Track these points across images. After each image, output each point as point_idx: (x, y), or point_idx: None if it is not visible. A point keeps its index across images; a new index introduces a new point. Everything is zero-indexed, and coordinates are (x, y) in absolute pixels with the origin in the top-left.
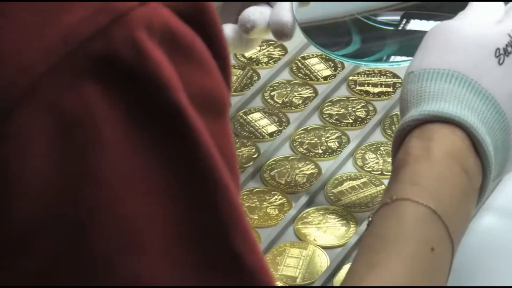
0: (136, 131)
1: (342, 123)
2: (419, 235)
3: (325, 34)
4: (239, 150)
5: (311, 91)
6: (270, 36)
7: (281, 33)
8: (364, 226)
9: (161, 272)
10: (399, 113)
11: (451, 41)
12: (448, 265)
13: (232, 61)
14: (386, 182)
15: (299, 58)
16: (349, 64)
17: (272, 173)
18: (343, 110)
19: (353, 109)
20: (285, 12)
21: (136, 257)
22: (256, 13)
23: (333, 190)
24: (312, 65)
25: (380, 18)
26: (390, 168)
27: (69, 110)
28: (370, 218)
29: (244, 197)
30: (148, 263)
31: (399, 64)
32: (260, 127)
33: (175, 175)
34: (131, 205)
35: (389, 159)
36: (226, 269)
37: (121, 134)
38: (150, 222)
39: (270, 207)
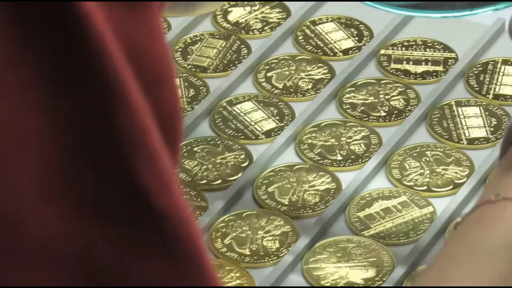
0: (11, 12)
1: (371, 117)
2: None
3: None
4: (222, 156)
5: (326, 71)
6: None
7: None
8: (403, 268)
9: (31, 207)
10: (453, 103)
11: None
12: None
13: (210, 27)
14: (435, 202)
15: (308, 24)
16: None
17: (270, 189)
18: (372, 98)
19: (387, 97)
20: None
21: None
22: None
23: (358, 214)
24: (326, 33)
25: None
26: (440, 182)
27: None
28: (459, 219)
29: (230, 223)
30: (16, 193)
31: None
32: (253, 123)
33: (54, 71)
34: None
35: (439, 169)
36: (122, 208)
37: None
38: (19, 136)
39: (267, 238)
